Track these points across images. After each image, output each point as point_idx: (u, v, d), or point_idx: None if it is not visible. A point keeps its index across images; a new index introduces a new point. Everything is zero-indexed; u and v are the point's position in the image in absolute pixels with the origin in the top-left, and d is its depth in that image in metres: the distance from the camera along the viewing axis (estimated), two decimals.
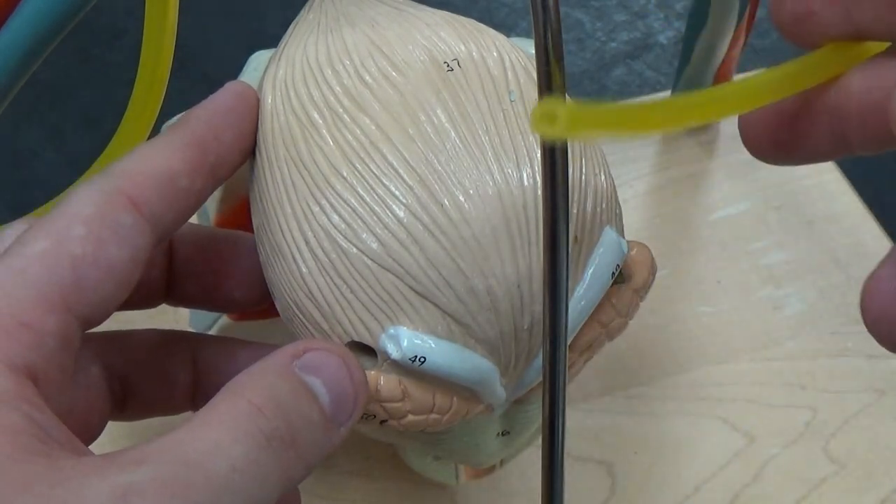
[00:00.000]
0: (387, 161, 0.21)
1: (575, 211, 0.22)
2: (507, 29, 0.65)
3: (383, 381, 0.23)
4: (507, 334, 0.22)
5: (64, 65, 0.73)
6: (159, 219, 0.20)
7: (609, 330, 0.25)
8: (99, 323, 0.19)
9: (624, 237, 0.24)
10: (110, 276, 0.19)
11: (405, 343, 0.21)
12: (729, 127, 0.46)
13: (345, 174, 0.21)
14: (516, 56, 0.24)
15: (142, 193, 0.20)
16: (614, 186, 0.24)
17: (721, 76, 0.42)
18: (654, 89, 0.56)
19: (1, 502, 0.15)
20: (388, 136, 0.22)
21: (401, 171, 0.21)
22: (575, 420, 0.35)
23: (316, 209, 0.22)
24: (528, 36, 0.22)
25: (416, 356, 0.21)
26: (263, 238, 0.23)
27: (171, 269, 0.24)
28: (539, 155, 0.21)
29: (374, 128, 0.22)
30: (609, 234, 0.23)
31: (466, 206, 0.21)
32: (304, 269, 0.22)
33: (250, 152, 0.23)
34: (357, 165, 0.21)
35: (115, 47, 0.74)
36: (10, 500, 0.15)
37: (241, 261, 0.25)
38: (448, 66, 0.23)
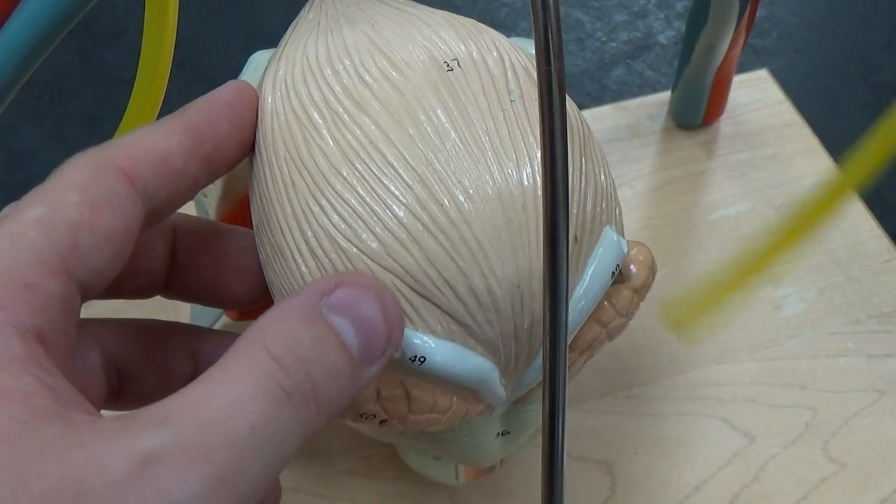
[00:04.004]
0: (387, 161, 0.21)
1: (575, 211, 0.22)
2: (507, 29, 0.65)
3: (384, 381, 0.23)
4: (507, 334, 0.22)
5: (64, 65, 0.73)
6: (152, 195, 0.20)
7: (609, 330, 0.25)
8: (97, 292, 0.19)
9: (624, 237, 0.24)
10: (107, 243, 0.19)
11: (404, 343, 0.21)
12: (729, 127, 0.46)
13: (345, 174, 0.21)
14: (516, 56, 0.24)
15: (135, 167, 0.20)
16: (614, 186, 0.24)
17: (721, 76, 0.42)
18: (654, 89, 0.56)
19: (18, 468, 0.15)
20: (388, 135, 0.22)
21: (401, 170, 0.21)
22: (575, 420, 0.35)
23: (316, 209, 0.22)
24: (528, 36, 0.22)
25: (415, 356, 0.21)
26: (263, 238, 0.23)
27: (173, 260, 0.24)
28: (539, 155, 0.21)
29: (374, 128, 0.22)
30: (609, 233, 0.23)
31: (466, 205, 0.21)
32: (303, 269, 0.22)
33: (248, 148, 0.23)
34: (357, 165, 0.21)
35: (115, 47, 0.74)
36: (28, 466, 0.15)
37: (243, 256, 0.24)
38: (448, 66, 0.23)
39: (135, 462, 0.15)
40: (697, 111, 0.44)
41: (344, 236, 0.21)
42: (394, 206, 0.21)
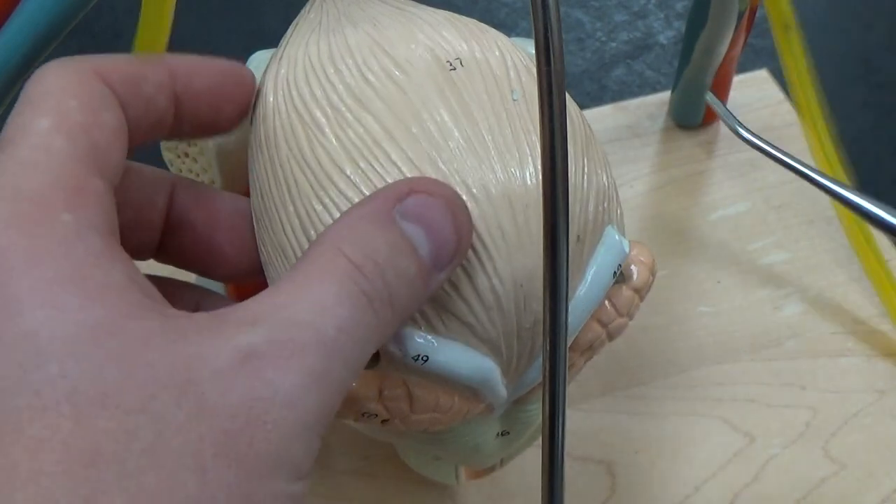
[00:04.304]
0: (390, 160, 0.21)
1: (577, 211, 0.22)
2: (507, 29, 0.65)
3: (387, 380, 0.23)
4: (509, 333, 0.22)
5: None
6: (124, 106, 0.20)
7: (610, 330, 0.25)
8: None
9: (625, 237, 0.24)
10: (116, 140, 0.19)
11: (408, 342, 0.21)
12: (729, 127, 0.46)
13: (348, 172, 0.21)
14: (518, 56, 0.24)
15: (108, 76, 0.19)
16: (616, 187, 0.24)
17: (721, 76, 0.42)
18: (654, 89, 0.56)
19: (124, 358, 0.15)
20: (392, 134, 0.22)
21: (404, 169, 0.21)
22: (575, 420, 0.35)
23: (319, 208, 0.22)
24: (528, 36, 0.22)
25: (418, 355, 0.21)
26: (265, 237, 0.23)
27: (169, 216, 0.23)
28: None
29: (377, 126, 0.22)
30: (611, 233, 0.23)
31: (470, 205, 0.21)
32: None
33: (223, 123, 0.23)
34: (360, 164, 0.21)
35: (115, 47, 0.73)
36: (134, 355, 0.15)
37: (236, 217, 0.24)
38: (451, 64, 0.23)
39: (237, 356, 0.16)
40: (697, 111, 0.45)
41: None
42: None
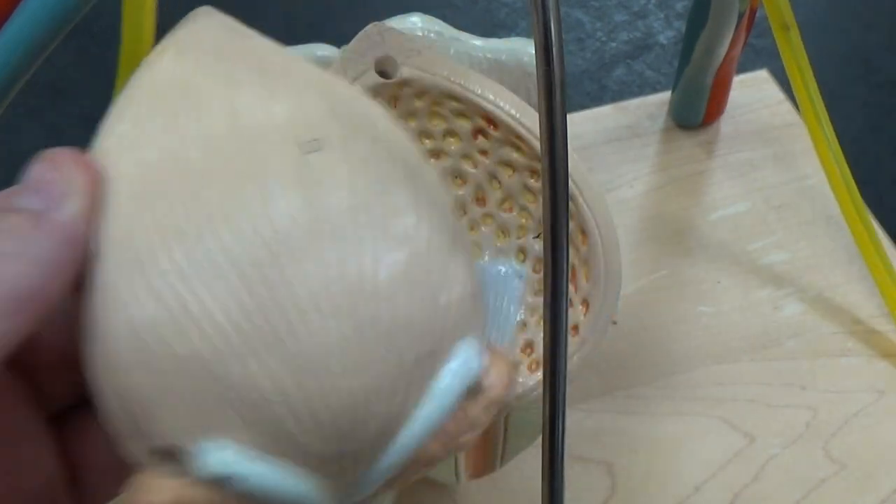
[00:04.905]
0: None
1: (429, 324, 0.18)
2: (507, 29, 0.65)
3: (195, 491, 0.18)
4: (342, 453, 0.18)
5: (64, 65, 0.73)
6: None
7: (458, 444, 0.20)
8: None
9: (483, 347, 0.20)
10: None
11: (215, 460, 0.17)
12: (729, 127, 0.46)
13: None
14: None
15: None
16: (480, 293, 0.20)
17: (721, 76, 0.43)
18: (654, 89, 0.56)
19: None
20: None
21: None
22: (575, 420, 0.35)
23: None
24: (528, 36, 0.22)
25: (226, 476, 0.17)
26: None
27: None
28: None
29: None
30: (465, 348, 0.19)
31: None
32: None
33: None
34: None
35: (115, 47, 0.73)
36: None
37: None
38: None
39: None
40: (697, 111, 0.45)
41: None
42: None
